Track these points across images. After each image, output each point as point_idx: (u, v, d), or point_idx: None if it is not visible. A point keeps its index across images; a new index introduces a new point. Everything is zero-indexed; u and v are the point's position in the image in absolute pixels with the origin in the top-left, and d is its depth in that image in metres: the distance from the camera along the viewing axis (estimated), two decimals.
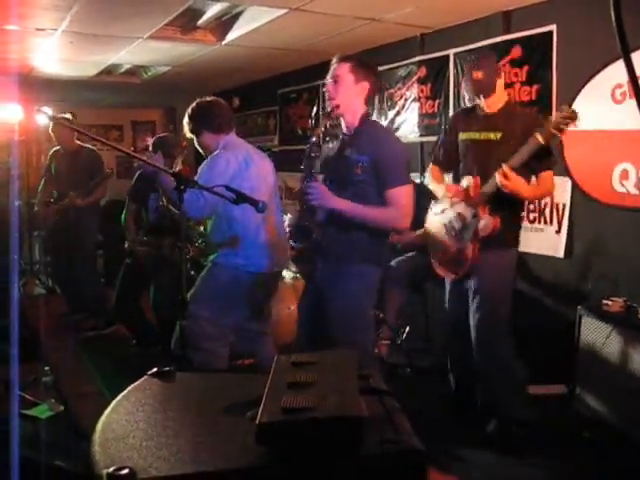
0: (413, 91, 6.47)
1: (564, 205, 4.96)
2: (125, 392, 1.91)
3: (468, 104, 4.13)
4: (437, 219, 4.24)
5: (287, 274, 5.93)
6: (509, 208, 3.97)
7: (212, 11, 5.82)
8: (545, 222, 5.13)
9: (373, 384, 1.92)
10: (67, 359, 5.87)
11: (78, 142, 6.99)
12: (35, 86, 8.71)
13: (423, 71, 6.32)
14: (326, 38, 6.37)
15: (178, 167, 5.35)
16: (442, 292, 4.62)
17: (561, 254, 5.00)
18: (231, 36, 6.33)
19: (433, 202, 4.34)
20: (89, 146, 7.07)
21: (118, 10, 5.33)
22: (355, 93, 3.53)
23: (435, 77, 6.16)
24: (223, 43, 6.54)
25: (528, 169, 3.91)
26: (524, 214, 5.13)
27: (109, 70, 8.47)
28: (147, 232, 5.66)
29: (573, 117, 3.71)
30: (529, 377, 4.18)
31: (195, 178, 3.71)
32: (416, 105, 6.45)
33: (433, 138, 6.17)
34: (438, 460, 3.74)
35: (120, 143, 12.02)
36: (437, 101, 6.17)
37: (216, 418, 1.73)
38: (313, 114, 8.20)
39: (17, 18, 5.52)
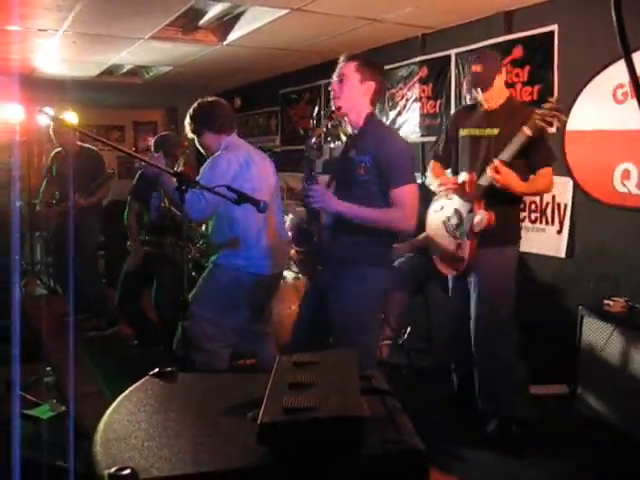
0: (414, 91, 6.47)
1: (565, 205, 4.96)
2: (127, 392, 1.91)
3: (478, 97, 4.14)
4: (436, 216, 4.25)
5: (288, 274, 5.93)
6: (507, 204, 3.97)
7: (214, 11, 5.82)
8: (546, 222, 5.13)
9: (375, 384, 1.92)
10: (68, 359, 5.87)
11: (79, 143, 7.00)
12: (37, 86, 8.70)
13: (424, 71, 6.32)
14: (327, 38, 6.37)
15: (180, 167, 5.35)
16: (443, 292, 4.63)
17: (562, 254, 5.00)
18: (232, 36, 6.33)
19: (432, 200, 4.36)
20: (90, 147, 7.07)
21: (120, 10, 5.33)
22: (360, 93, 3.48)
23: (436, 77, 6.16)
24: (224, 43, 6.54)
25: (527, 166, 3.92)
26: (525, 214, 5.16)
27: (111, 70, 8.48)
28: (148, 231, 5.66)
29: (559, 109, 3.69)
30: (530, 377, 4.18)
31: (197, 179, 3.71)
32: (417, 105, 6.45)
33: (434, 138, 6.17)
34: (439, 460, 3.74)
35: (121, 143, 12.01)
36: (438, 101, 6.17)
37: (217, 418, 1.73)
38: (314, 114, 8.20)
39: (19, 18, 5.52)
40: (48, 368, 5.03)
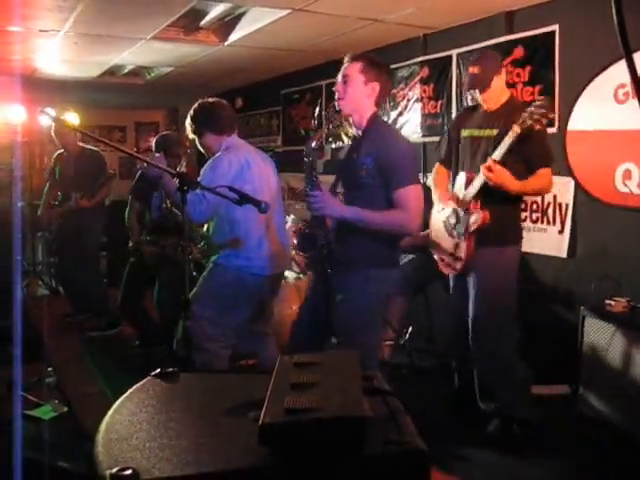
0: (416, 91, 6.47)
1: (567, 205, 4.96)
2: (128, 393, 1.91)
3: (471, 103, 4.15)
4: (439, 216, 4.28)
5: (290, 274, 5.93)
6: (506, 204, 3.98)
7: (215, 12, 5.82)
8: (548, 222, 5.12)
9: (376, 384, 1.92)
10: (70, 360, 5.87)
11: (81, 144, 7.01)
12: (38, 87, 8.71)
13: (426, 71, 6.32)
14: (329, 39, 6.38)
15: (183, 168, 5.35)
16: (445, 293, 4.63)
17: (564, 254, 5.00)
18: (234, 37, 6.33)
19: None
20: (92, 147, 7.08)
21: (121, 11, 5.33)
22: (364, 94, 3.44)
23: (438, 77, 6.16)
24: (226, 44, 6.54)
25: (526, 166, 3.92)
26: (526, 214, 5.16)
27: (112, 71, 8.48)
28: (150, 231, 5.67)
29: (545, 106, 3.69)
30: (533, 377, 4.18)
31: (198, 180, 3.71)
32: (419, 105, 6.46)
33: (436, 138, 6.18)
34: (441, 460, 3.74)
35: (123, 144, 12.05)
36: (440, 101, 6.17)
37: (219, 419, 1.73)
38: (316, 114, 8.20)
39: (20, 19, 5.52)
40: (50, 368, 5.03)
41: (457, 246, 4.09)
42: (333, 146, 7.62)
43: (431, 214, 4.35)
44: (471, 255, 4.01)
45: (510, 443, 4.00)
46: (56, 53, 7.05)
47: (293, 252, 5.81)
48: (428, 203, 4.34)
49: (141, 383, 1.99)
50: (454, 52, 5.93)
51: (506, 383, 4.09)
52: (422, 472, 1.55)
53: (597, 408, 4.19)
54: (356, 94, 3.44)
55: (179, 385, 2.00)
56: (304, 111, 8.51)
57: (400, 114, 6.71)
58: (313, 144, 3.56)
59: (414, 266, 5.23)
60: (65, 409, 4.30)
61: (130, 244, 5.83)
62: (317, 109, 8.16)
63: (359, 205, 3.38)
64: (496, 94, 4.09)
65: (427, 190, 4.48)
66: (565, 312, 4.95)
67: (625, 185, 4.50)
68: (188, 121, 4.27)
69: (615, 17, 1.13)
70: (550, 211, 5.10)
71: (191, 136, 4.31)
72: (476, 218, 3.93)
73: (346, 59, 3.50)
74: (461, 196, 4.05)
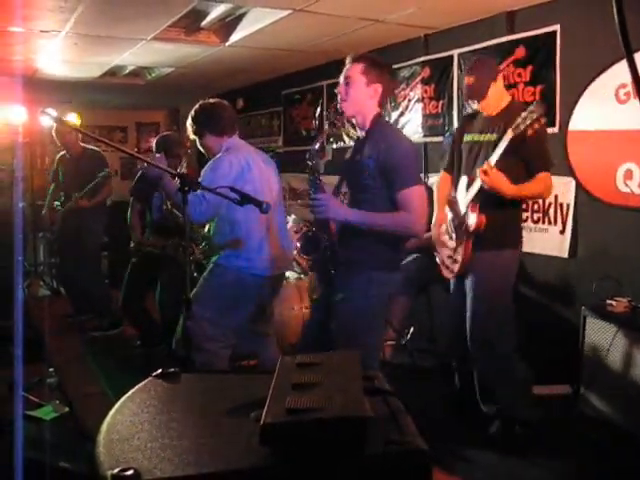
0: (417, 92, 6.47)
1: (568, 205, 4.96)
2: (130, 393, 1.91)
3: (473, 106, 4.16)
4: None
5: (291, 274, 5.93)
6: (505, 208, 3.98)
7: (216, 12, 5.82)
8: (549, 222, 5.12)
9: (377, 385, 1.92)
10: (71, 360, 5.88)
11: (82, 144, 7.02)
12: (39, 88, 8.72)
13: (427, 72, 6.32)
14: (330, 39, 6.38)
15: (183, 169, 5.35)
16: (446, 293, 4.63)
17: (565, 254, 5.00)
18: (235, 37, 6.33)
19: None
20: (93, 148, 7.09)
21: (122, 12, 5.34)
22: (367, 96, 3.41)
23: (439, 78, 6.16)
24: (227, 44, 6.54)
25: (525, 170, 3.92)
26: (527, 214, 5.16)
27: (113, 71, 8.48)
28: (151, 232, 5.67)
29: (540, 111, 3.69)
30: (534, 377, 4.18)
31: (198, 181, 3.71)
32: (420, 106, 6.46)
33: (437, 139, 6.20)
34: (442, 460, 3.74)
35: (124, 144, 12.05)
36: (441, 102, 6.17)
37: (220, 419, 1.73)
38: (317, 115, 8.20)
39: (21, 20, 5.53)
40: (51, 369, 5.04)
41: (456, 249, 4.10)
42: (334, 146, 7.62)
43: (434, 216, 4.37)
44: (468, 258, 4.03)
45: (511, 443, 4.00)
46: (57, 54, 7.05)
47: (295, 253, 5.81)
48: (431, 204, 4.36)
49: (142, 383, 1.99)
50: (455, 52, 5.93)
51: (506, 383, 4.09)
52: (423, 472, 1.55)
53: (598, 408, 4.19)
54: (358, 95, 3.42)
55: (180, 385, 2.00)
56: (305, 111, 8.52)
57: (401, 114, 6.71)
58: (316, 146, 3.56)
59: (417, 266, 5.24)
60: (66, 409, 4.30)
61: (131, 244, 5.84)
62: (318, 109, 8.17)
63: (363, 207, 3.36)
64: (494, 100, 4.09)
65: (430, 191, 4.50)
66: (566, 312, 4.95)
67: (626, 185, 4.50)
68: (189, 122, 4.27)
69: (616, 17, 1.13)
70: (551, 211, 5.10)
71: (192, 137, 4.31)
72: (473, 221, 3.94)
73: (348, 60, 3.48)
74: (462, 199, 4.07)
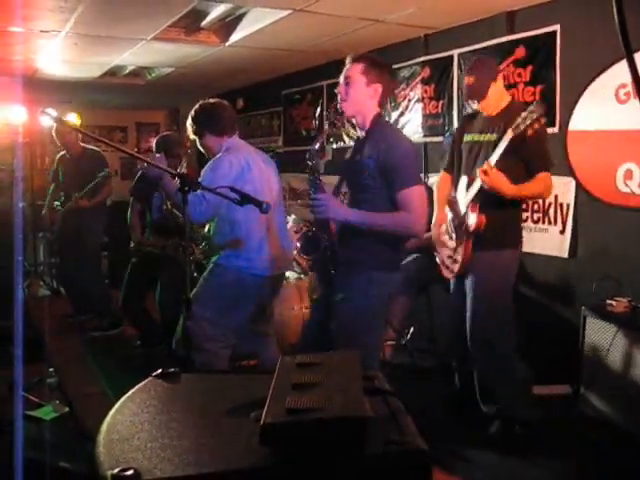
0: (417, 92, 6.48)
1: (568, 205, 4.96)
2: (130, 393, 1.91)
3: (473, 106, 4.17)
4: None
5: (291, 274, 5.93)
6: (505, 208, 3.98)
7: (216, 12, 5.82)
8: (549, 222, 5.12)
9: (377, 385, 1.92)
10: (71, 360, 5.88)
11: (82, 144, 7.02)
12: (39, 88, 8.72)
13: (427, 72, 6.32)
14: (330, 39, 6.38)
15: (183, 169, 5.35)
16: (446, 293, 4.63)
17: (565, 254, 5.00)
18: (235, 37, 6.33)
19: None
20: (93, 147, 7.09)
21: (122, 12, 5.34)
22: (367, 96, 3.40)
23: (439, 78, 6.16)
24: (227, 44, 6.54)
25: (525, 170, 3.92)
26: (527, 214, 5.16)
27: (113, 71, 8.48)
28: (151, 232, 5.67)
29: (539, 111, 3.68)
30: (534, 377, 4.19)
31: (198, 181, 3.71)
32: (420, 106, 6.46)
33: (437, 139, 6.20)
34: (442, 460, 3.74)
35: (124, 144, 12.05)
36: (441, 102, 6.17)
37: (220, 419, 1.73)
38: (317, 115, 8.20)
39: (21, 20, 5.53)
40: (51, 369, 5.03)
41: (456, 248, 4.11)
42: (334, 146, 7.63)
43: (434, 216, 4.37)
44: (468, 258, 4.03)
45: (511, 443, 4.00)
46: (57, 54, 7.05)
47: (295, 253, 5.81)
48: (431, 204, 4.36)
49: (142, 383, 1.99)
50: (455, 52, 5.93)
51: (506, 383, 4.09)
52: (423, 472, 1.55)
53: (598, 408, 4.19)
54: (358, 96, 3.41)
55: (180, 385, 2.00)
56: (305, 111, 8.52)
57: (401, 114, 6.71)
58: (316, 146, 3.56)
59: (417, 266, 5.24)
60: (66, 409, 4.30)
61: (132, 244, 5.84)
62: (318, 109, 8.17)
63: (363, 207, 3.36)
64: (494, 100, 4.10)
65: (430, 191, 4.50)
66: (566, 312, 4.95)
67: (626, 185, 4.50)
68: (189, 122, 4.27)
69: (616, 17, 1.13)
70: (551, 211, 5.10)
71: (192, 137, 4.31)
72: (473, 221, 3.94)
73: (348, 60, 3.47)
74: (462, 200, 4.07)
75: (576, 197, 4.90)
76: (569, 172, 4.88)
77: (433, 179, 5.99)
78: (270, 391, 1.65)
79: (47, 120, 7.13)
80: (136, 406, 1.81)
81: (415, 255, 5.27)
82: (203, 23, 6.16)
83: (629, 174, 4.48)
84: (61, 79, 8.70)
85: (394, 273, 3.47)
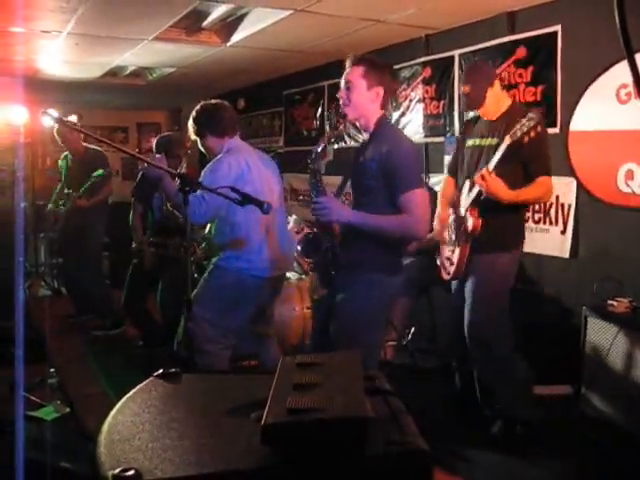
0: (418, 92, 6.48)
1: (569, 205, 4.96)
2: (131, 393, 1.91)
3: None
4: (449, 220, 4.29)
5: (292, 275, 5.93)
6: (506, 211, 3.97)
7: (217, 12, 5.83)
8: (550, 222, 5.12)
9: (378, 385, 1.92)
10: (73, 361, 5.88)
11: (85, 144, 7.02)
12: (40, 88, 8.73)
13: (428, 72, 6.32)
14: (331, 39, 6.38)
15: (183, 169, 5.35)
16: (447, 293, 4.63)
17: (566, 254, 5.00)
18: (236, 37, 6.34)
19: None
20: (95, 147, 7.09)
21: (123, 12, 5.34)
22: (368, 99, 3.38)
23: (440, 78, 6.16)
24: (228, 44, 6.55)
25: (524, 174, 3.92)
26: (528, 214, 5.16)
27: (114, 72, 8.49)
28: (153, 233, 5.67)
29: (537, 118, 3.67)
30: (535, 377, 4.19)
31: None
32: (421, 106, 6.46)
33: (438, 139, 6.20)
34: (443, 460, 3.74)
35: (125, 145, 12.06)
36: (442, 102, 6.17)
37: (221, 419, 1.73)
38: (318, 115, 8.20)
39: (22, 20, 5.53)
40: (52, 369, 5.03)
41: (453, 251, 4.12)
42: (335, 146, 7.63)
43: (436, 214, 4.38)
44: (463, 262, 4.04)
45: (512, 443, 4.01)
46: (58, 54, 7.06)
47: (296, 254, 5.81)
48: (432, 205, 4.37)
49: (144, 384, 1.99)
50: (456, 52, 5.93)
51: (505, 384, 4.09)
52: (424, 472, 1.55)
53: (599, 408, 4.19)
54: (360, 100, 3.38)
55: (181, 386, 2.00)
56: (306, 112, 8.52)
57: (402, 114, 6.71)
58: (319, 149, 3.55)
59: (418, 267, 5.23)
60: (67, 410, 4.30)
61: (133, 245, 5.83)
62: (319, 110, 8.17)
63: (365, 209, 3.34)
64: (493, 105, 4.09)
65: (431, 191, 4.51)
66: (567, 312, 4.94)
67: (627, 185, 4.50)
68: (190, 123, 4.27)
69: (617, 17, 1.13)
70: (552, 211, 5.09)
71: (193, 137, 4.31)
72: (469, 225, 3.95)
73: (347, 64, 3.44)
74: (463, 203, 4.07)
75: (577, 197, 4.90)
76: (570, 172, 4.88)
77: (434, 179, 6.00)
78: (271, 391, 1.65)
79: (48, 120, 7.14)
80: (137, 406, 1.81)
81: (417, 256, 5.27)
82: (204, 23, 6.16)
83: (630, 174, 4.48)
84: (62, 79, 8.71)
85: (396, 276, 3.45)
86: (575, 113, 4.84)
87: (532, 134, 3.66)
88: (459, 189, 4.24)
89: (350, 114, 3.45)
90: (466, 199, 4.05)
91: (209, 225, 4.30)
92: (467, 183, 4.12)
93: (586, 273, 4.81)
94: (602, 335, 4.21)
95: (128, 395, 1.90)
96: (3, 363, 3.96)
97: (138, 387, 1.96)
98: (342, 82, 3.45)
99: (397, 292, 3.61)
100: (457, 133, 5.84)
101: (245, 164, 4.05)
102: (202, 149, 4.32)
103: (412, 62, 6.49)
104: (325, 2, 5.05)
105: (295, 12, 5.35)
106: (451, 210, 4.24)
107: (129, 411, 1.78)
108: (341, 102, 3.46)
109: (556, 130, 4.93)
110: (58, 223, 7.22)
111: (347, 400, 1.57)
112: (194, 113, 4.25)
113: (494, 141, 3.97)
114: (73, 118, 6.89)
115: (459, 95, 5.90)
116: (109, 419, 1.72)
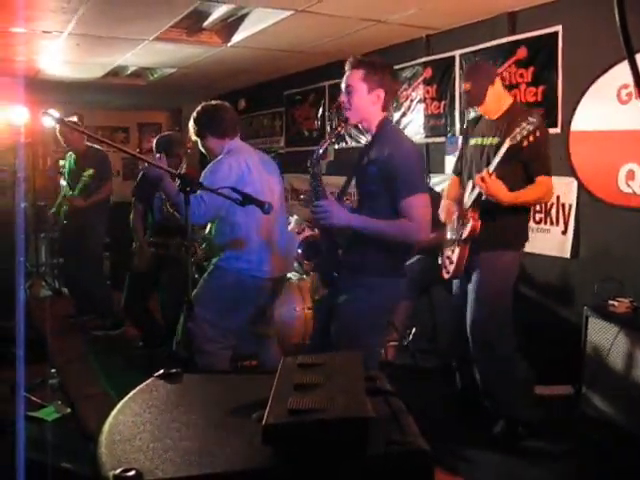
0: (419, 92, 6.47)
1: (570, 206, 4.96)
2: (132, 394, 1.91)
3: (476, 110, 4.19)
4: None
5: (293, 275, 5.93)
6: (507, 211, 3.97)
7: (218, 13, 5.83)
8: (551, 223, 5.12)
9: (379, 385, 1.92)
10: (73, 361, 5.88)
11: (87, 143, 7.03)
12: (41, 88, 8.73)
13: (429, 72, 6.32)
14: (332, 40, 6.37)
15: (183, 170, 5.35)
16: (448, 294, 4.63)
17: (567, 254, 5.00)
18: (237, 38, 6.34)
19: None
20: (97, 147, 7.09)
21: (124, 12, 5.34)
22: (370, 102, 3.35)
23: (441, 78, 6.16)
24: (229, 45, 6.55)
25: (524, 175, 3.93)
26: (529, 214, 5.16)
27: (115, 72, 8.49)
28: (154, 233, 5.67)
29: (537, 123, 3.66)
30: (535, 377, 4.19)
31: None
32: (422, 106, 6.46)
33: (439, 139, 6.20)
34: (444, 460, 3.74)
35: (126, 145, 12.06)
36: (443, 102, 6.17)
37: (222, 420, 1.73)
38: (319, 115, 8.20)
39: (24, 21, 5.53)
40: (53, 370, 5.03)
41: (454, 251, 4.12)
42: (336, 147, 7.63)
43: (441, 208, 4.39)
44: (463, 261, 4.04)
45: (513, 443, 4.01)
46: (59, 54, 7.06)
47: (296, 254, 5.81)
48: (434, 206, 4.36)
49: (145, 384, 1.99)
50: (457, 53, 5.93)
51: (507, 384, 4.09)
52: (425, 472, 1.55)
53: (600, 409, 4.19)
54: (361, 103, 3.36)
55: (182, 386, 2.00)
56: (307, 112, 8.52)
57: (403, 115, 6.71)
58: (320, 151, 3.54)
59: (420, 267, 5.23)
60: (68, 410, 4.30)
61: (134, 246, 5.83)
62: (320, 110, 8.17)
63: (367, 213, 3.32)
64: (494, 104, 4.09)
65: (432, 192, 4.51)
66: (568, 312, 4.95)
67: (628, 186, 4.50)
68: (191, 123, 4.27)
69: (617, 18, 1.13)
70: (553, 212, 5.09)
71: (194, 138, 4.31)
72: (469, 227, 3.96)
73: (347, 67, 3.41)
74: (466, 202, 4.08)
75: (578, 197, 4.90)
76: (571, 172, 4.88)
77: (435, 180, 6.00)
78: (272, 392, 1.65)
79: (49, 121, 7.14)
80: (138, 407, 1.81)
81: (418, 256, 5.27)
82: (205, 24, 6.16)
83: (631, 174, 4.48)
84: (63, 80, 8.71)
85: (398, 280, 3.43)
86: (576, 113, 4.84)
87: (531, 138, 3.66)
88: (464, 188, 4.25)
89: (352, 118, 3.43)
90: (468, 198, 4.06)
91: (209, 225, 4.30)
92: (470, 183, 4.12)
93: (587, 273, 4.81)
94: (603, 335, 4.21)
95: (129, 395, 1.90)
96: (4, 363, 3.97)
97: (139, 387, 1.96)
98: (342, 86, 3.43)
99: (399, 296, 3.60)
100: (458, 133, 5.85)
101: (245, 165, 4.04)
102: (203, 150, 4.32)
103: (413, 62, 6.49)
104: (326, 2, 5.05)
105: (296, 12, 5.35)
106: (456, 207, 4.24)
107: (130, 411, 1.78)
108: (342, 106, 3.45)
109: (557, 130, 4.93)
110: (58, 224, 7.23)
111: (348, 400, 1.57)
112: (195, 114, 4.25)
113: (495, 140, 3.97)
114: (73, 119, 6.90)
115: (460, 95, 5.91)
116: (110, 419, 1.72)
